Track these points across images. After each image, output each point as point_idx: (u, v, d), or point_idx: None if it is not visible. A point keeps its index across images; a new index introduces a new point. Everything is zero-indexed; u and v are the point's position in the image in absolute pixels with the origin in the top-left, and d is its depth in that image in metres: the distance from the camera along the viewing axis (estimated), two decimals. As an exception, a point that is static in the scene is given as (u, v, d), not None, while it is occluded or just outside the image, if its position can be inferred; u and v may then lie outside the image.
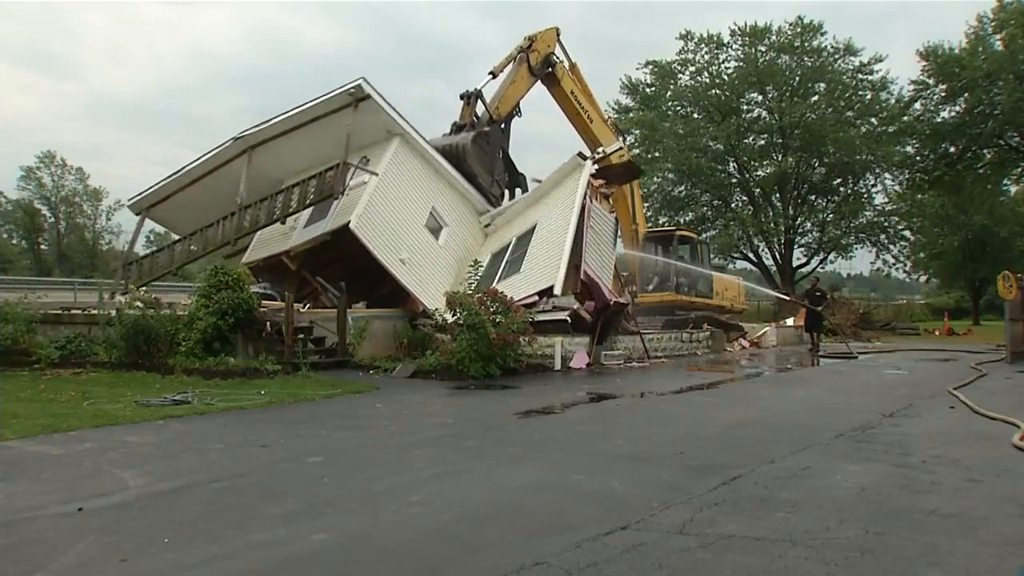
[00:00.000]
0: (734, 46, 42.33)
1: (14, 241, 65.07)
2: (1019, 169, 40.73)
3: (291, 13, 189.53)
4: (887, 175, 42.16)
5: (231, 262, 17.78)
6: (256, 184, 18.39)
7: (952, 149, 38.78)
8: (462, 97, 20.07)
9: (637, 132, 42.21)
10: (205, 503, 5.19)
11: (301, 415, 9.20)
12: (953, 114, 37.97)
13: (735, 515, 4.85)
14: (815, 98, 40.90)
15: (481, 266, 15.48)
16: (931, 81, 37.60)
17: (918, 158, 40.16)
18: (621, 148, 22.78)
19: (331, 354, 14.84)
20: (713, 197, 44.61)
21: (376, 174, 17.52)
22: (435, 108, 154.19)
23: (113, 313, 14.27)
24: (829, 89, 40.78)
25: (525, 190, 20.92)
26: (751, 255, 44.96)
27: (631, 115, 43.54)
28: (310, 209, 17.81)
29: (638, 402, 10.80)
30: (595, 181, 17.75)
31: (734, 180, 44.38)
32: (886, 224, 44.04)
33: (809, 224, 44.54)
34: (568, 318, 15.56)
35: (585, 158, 17.78)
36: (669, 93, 43.82)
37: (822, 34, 40.86)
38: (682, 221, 42.02)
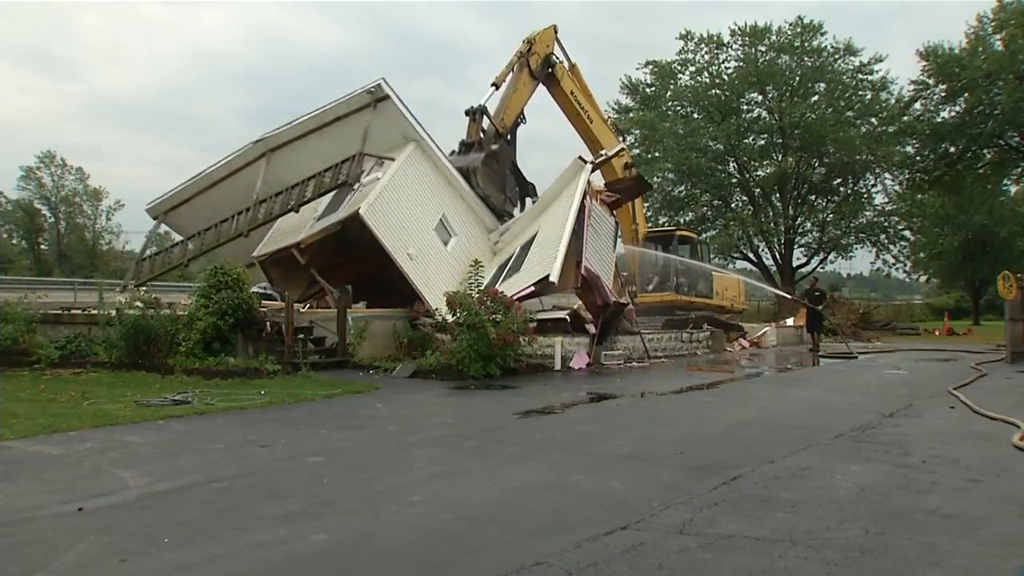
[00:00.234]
0: (734, 46, 42.34)
1: (14, 241, 64.99)
2: (1019, 169, 40.70)
3: (291, 13, 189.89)
4: (887, 175, 42.18)
5: (243, 257, 17.86)
6: (271, 188, 18.55)
7: (952, 149, 38.75)
8: (467, 113, 19.99)
9: (637, 132, 42.19)
10: (205, 503, 5.19)
11: (301, 415, 9.20)
12: (953, 114, 37.96)
13: (735, 515, 4.85)
14: (815, 98, 40.88)
15: (482, 266, 15.50)
16: (931, 81, 37.58)
17: (918, 158, 40.14)
18: (623, 150, 22.76)
19: (331, 354, 14.84)
20: (713, 197, 44.60)
21: (392, 159, 17.72)
22: (435, 108, 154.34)
23: (113, 313, 14.27)
24: (829, 89, 40.76)
25: (535, 198, 20.93)
26: (751, 255, 44.96)
27: (631, 115, 43.52)
28: (324, 206, 17.91)
29: (638, 402, 10.80)
30: (602, 194, 17.98)
31: (734, 180, 44.37)
32: (886, 224, 44.04)
33: (809, 224, 44.53)
34: (568, 317, 15.58)
35: (585, 162, 17.94)
36: (669, 93, 43.81)
37: (822, 34, 40.88)
38: (682, 221, 42.01)
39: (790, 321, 27.55)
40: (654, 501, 5.15)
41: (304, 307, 17.41)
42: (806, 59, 40.95)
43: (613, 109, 43.00)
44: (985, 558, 4.14)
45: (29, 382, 11.85)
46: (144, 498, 5.30)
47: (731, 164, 43.78)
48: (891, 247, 44.91)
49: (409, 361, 14.23)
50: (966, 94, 36.18)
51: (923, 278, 62.65)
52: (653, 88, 44.23)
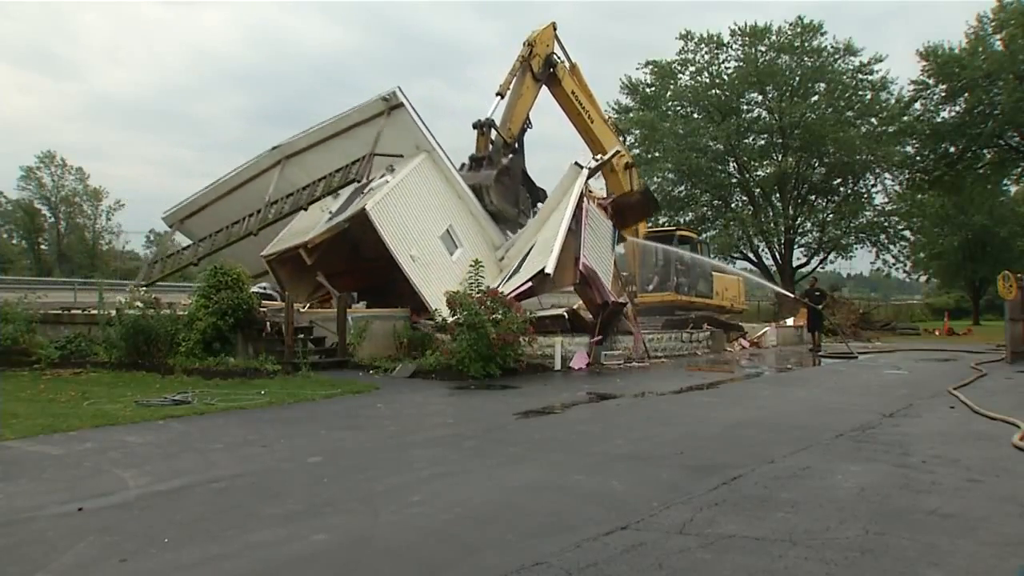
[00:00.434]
0: (734, 46, 42.34)
1: (14, 241, 64.97)
2: (1019, 169, 40.70)
3: (291, 13, 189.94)
4: (887, 175, 42.19)
5: (256, 259, 18.15)
6: (283, 194, 18.89)
7: (952, 149, 38.76)
8: (475, 127, 19.91)
9: (637, 132, 42.20)
10: (205, 503, 5.19)
11: (301, 415, 9.20)
12: (953, 114, 37.96)
13: (735, 515, 4.85)
14: (815, 98, 40.88)
15: (482, 266, 15.51)
16: (931, 81, 37.59)
17: (918, 158, 40.14)
18: (618, 152, 22.77)
19: (331, 354, 14.84)
20: (713, 197, 44.60)
21: (402, 156, 17.87)
22: (435, 108, 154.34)
23: (113, 313, 14.27)
24: (829, 89, 40.77)
25: None
26: (751, 255, 44.98)
27: (631, 115, 43.53)
28: (333, 208, 18.05)
29: (638, 402, 10.80)
30: (599, 199, 18.15)
31: (734, 180, 44.37)
32: (886, 224, 44.05)
33: (809, 224, 44.54)
34: (566, 314, 15.61)
35: (581, 167, 18.32)
36: (669, 93, 43.81)
37: (822, 34, 40.88)
38: (682, 221, 42.01)
39: (790, 321, 27.55)
40: (654, 501, 5.15)
41: (304, 307, 17.41)
42: (806, 59, 40.95)
43: (613, 109, 43.04)
44: (985, 558, 4.14)
45: (29, 382, 11.85)
46: (144, 498, 5.30)
47: (731, 164, 43.79)
48: (891, 247, 44.96)
49: (409, 361, 14.23)
50: (966, 94, 36.18)
51: (923, 278, 62.71)
52: (653, 88, 44.23)
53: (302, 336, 14.84)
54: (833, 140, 38.45)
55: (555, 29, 21.33)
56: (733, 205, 44.58)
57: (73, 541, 4.33)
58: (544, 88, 21.73)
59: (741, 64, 41.92)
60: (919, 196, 43.34)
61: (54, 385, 11.44)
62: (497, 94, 19.95)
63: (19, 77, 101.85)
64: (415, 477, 5.94)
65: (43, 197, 64.18)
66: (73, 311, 17.18)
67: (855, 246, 44.34)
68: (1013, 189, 48.41)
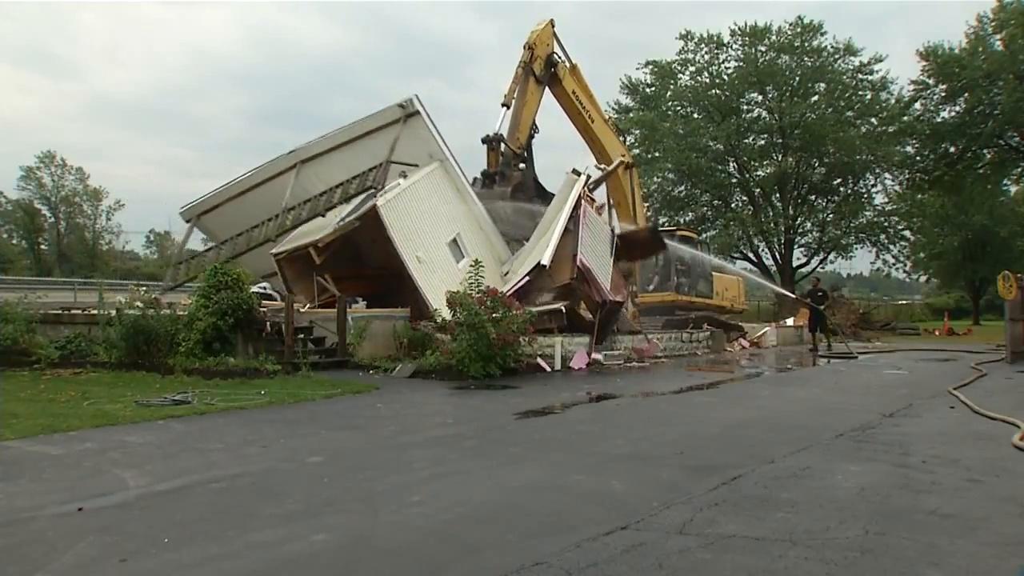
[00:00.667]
0: (734, 46, 42.40)
1: (14, 241, 64.97)
2: (1019, 169, 40.74)
3: (290, 13, 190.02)
4: (887, 175, 42.25)
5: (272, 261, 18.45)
6: (298, 199, 19.20)
7: (952, 149, 38.79)
8: (484, 142, 19.92)
9: (637, 132, 42.24)
10: (205, 503, 5.19)
11: (301, 415, 9.19)
12: (953, 114, 38.01)
13: (735, 515, 4.85)
14: (815, 98, 40.92)
15: (482, 266, 15.53)
16: (931, 81, 37.63)
17: (918, 158, 40.18)
18: (623, 160, 22.88)
19: (331, 354, 14.83)
20: (713, 197, 44.64)
21: (416, 165, 18.14)
22: (434, 108, 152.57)
23: (113, 313, 14.27)
24: (829, 89, 40.79)
25: None
26: (751, 255, 45.00)
27: (631, 115, 43.58)
28: (343, 213, 18.21)
29: (638, 402, 10.80)
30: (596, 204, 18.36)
31: (734, 180, 44.40)
32: (886, 224, 44.07)
33: (809, 224, 44.59)
34: (563, 308, 15.66)
35: (578, 174, 18.55)
36: (669, 93, 43.85)
37: (822, 34, 40.94)
38: (682, 221, 42.08)
39: (790, 321, 27.55)
40: (654, 501, 5.15)
41: (304, 307, 17.42)
42: (806, 59, 40.99)
43: (613, 109, 43.09)
44: (985, 558, 4.14)
45: (29, 382, 11.85)
46: (144, 498, 5.29)
47: (731, 164, 43.83)
48: (891, 247, 45.04)
49: (409, 361, 14.22)
50: (966, 94, 36.22)
51: (923, 278, 62.74)
52: (653, 88, 44.28)
53: (302, 336, 14.84)
54: (833, 140, 38.47)
55: (553, 26, 21.28)
56: (733, 205, 44.61)
57: (73, 541, 4.32)
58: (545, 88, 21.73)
59: (741, 64, 41.96)
60: (919, 196, 43.38)
61: (54, 385, 11.44)
62: (503, 105, 19.88)
63: (19, 77, 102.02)
64: (415, 477, 5.94)
65: (43, 197, 64.20)
66: (73, 311, 17.18)
67: (855, 246, 44.44)
68: (1013, 189, 48.48)
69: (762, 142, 43.30)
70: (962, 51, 36.44)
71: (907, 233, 45.67)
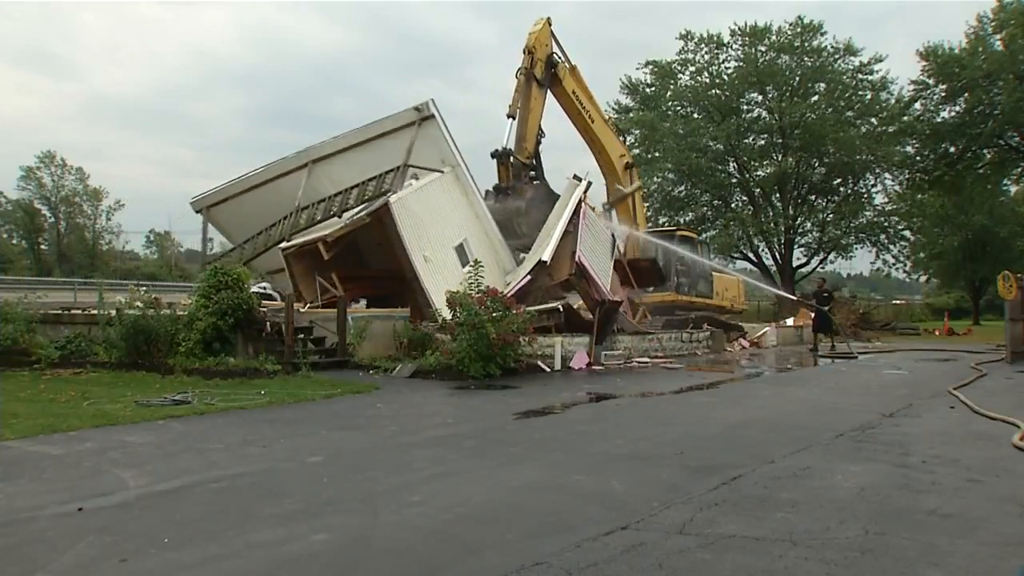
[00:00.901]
0: (734, 46, 42.37)
1: (14, 241, 64.98)
2: (1019, 169, 40.73)
3: (289, 13, 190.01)
4: (887, 175, 42.22)
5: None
6: (308, 199, 19.48)
7: (952, 149, 38.78)
8: (494, 156, 19.89)
9: (637, 132, 42.21)
10: (205, 503, 5.19)
11: (301, 415, 9.19)
12: (953, 114, 37.99)
13: (735, 515, 4.85)
14: (815, 98, 40.89)
15: (482, 266, 15.57)
16: (931, 81, 37.61)
17: (918, 158, 40.16)
18: (640, 186, 23.18)
19: (331, 354, 14.83)
20: (713, 197, 44.61)
21: (433, 170, 18.31)
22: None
23: (113, 313, 14.27)
24: (829, 89, 40.77)
25: None
26: (751, 255, 44.97)
27: (631, 115, 43.55)
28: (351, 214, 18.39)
29: (638, 402, 10.80)
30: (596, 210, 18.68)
31: (734, 180, 44.38)
32: (886, 224, 44.05)
33: (809, 224, 44.56)
34: (560, 307, 15.69)
35: (579, 180, 18.77)
36: (669, 93, 43.83)
37: (822, 34, 40.91)
38: (682, 221, 42.03)
39: (790, 321, 27.53)
40: (654, 501, 5.15)
41: (305, 307, 17.43)
42: (806, 59, 40.97)
43: (613, 109, 43.08)
44: (985, 558, 4.14)
45: (29, 382, 11.85)
46: (144, 498, 5.29)
47: (731, 164, 43.81)
48: (891, 247, 45.00)
49: (409, 361, 14.22)
50: (966, 94, 36.20)
51: (923, 278, 62.72)
52: (653, 88, 44.26)
53: (302, 336, 14.84)
54: (833, 140, 38.45)
55: (550, 24, 21.19)
56: (733, 205, 44.59)
57: (73, 541, 4.32)
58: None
59: (741, 64, 41.94)
60: (919, 196, 43.37)
61: (54, 385, 11.44)
62: (508, 116, 19.84)
63: (18, 77, 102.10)
64: (415, 477, 5.94)
65: (43, 197, 64.21)
66: (73, 311, 17.17)
67: (855, 246, 44.41)
68: (1013, 189, 48.48)
69: (762, 142, 43.29)
70: (962, 51, 36.43)
71: (907, 233, 45.67)
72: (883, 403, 10.29)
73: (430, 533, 4.51)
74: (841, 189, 43.34)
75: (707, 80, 43.06)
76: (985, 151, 38.98)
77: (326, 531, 4.52)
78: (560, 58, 21.50)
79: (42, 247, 64.81)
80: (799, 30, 40.84)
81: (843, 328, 26.04)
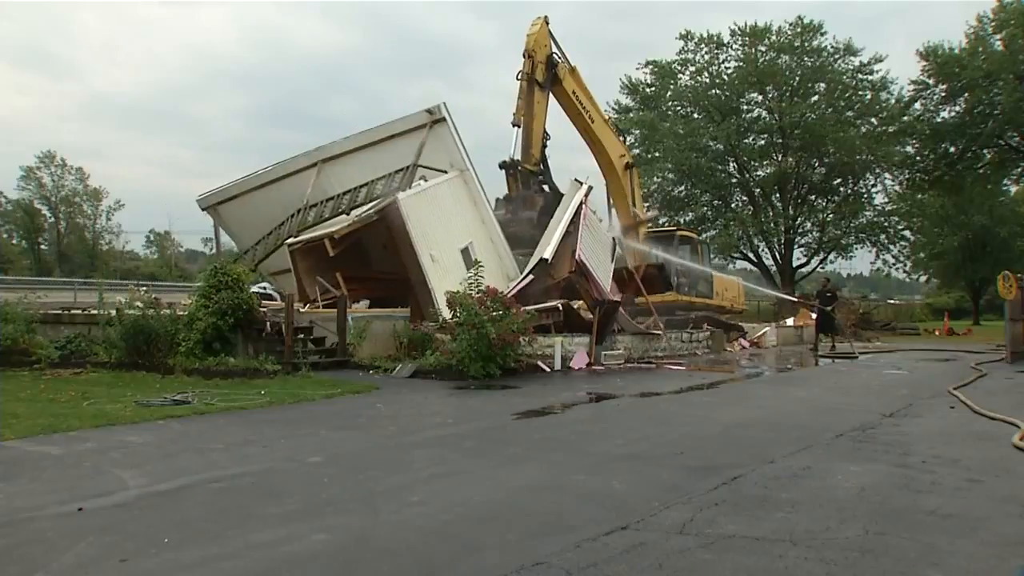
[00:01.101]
0: (734, 46, 42.42)
1: (14, 241, 65.03)
2: (1019, 169, 40.76)
3: (289, 13, 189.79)
4: (887, 175, 42.24)
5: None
6: (318, 198, 19.61)
7: (952, 149, 38.79)
8: (502, 167, 19.90)
9: (637, 132, 42.22)
10: (205, 503, 5.19)
11: (301, 415, 9.19)
12: (953, 114, 38.02)
13: (735, 515, 4.85)
14: (815, 98, 40.91)
15: (482, 266, 15.58)
16: (931, 81, 37.63)
17: (918, 158, 40.18)
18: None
19: (331, 354, 14.83)
20: (713, 197, 44.61)
21: (444, 171, 18.40)
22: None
23: (113, 313, 14.27)
24: (829, 89, 40.80)
25: None
26: (751, 255, 44.99)
27: (631, 115, 43.57)
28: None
29: (638, 402, 10.80)
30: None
31: (734, 180, 44.39)
32: (886, 224, 44.07)
33: (809, 224, 44.59)
34: (559, 306, 15.70)
35: (580, 183, 18.75)
36: (669, 93, 43.86)
37: (822, 34, 40.95)
38: (682, 221, 42.01)
39: (790, 321, 27.53)
40: (654, 501, 5.15)
41: (305, 306, 17.43)
42: (806, 59, 40.99)
43: (613, 109, 43.09)
44: (985, 558, 4.14)
45: (29, 382, 11.84)
46: (144, 498, 5.29)
47: (731, 164, 43.83)
48: (891, 247, 45.04)
49: (409, 361, 14.22)
50: (966, 94, 36.23)
51: (923, 278, 62.74)
52: (653, 88, 44.29)
53: (302, 336, 14.84)
54: (833, 140, 38.47)
55: (547, 23, 21.11)
56: (733, 205, 44.60)
57: (73, 541, 4.32)
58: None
59: (741, 64, 41.96)
60: (919, 196, 43.40)
61: (54, 385, 11.44)
62: (513, 124, 19.77)
63: (18, 77, 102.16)
64: (415, 477, 5.93)
65: (43, 197, 64.30)
66: (73, 311, 17.18)
67: (855, 246, 44.43)
68: (1013, 189, 48.50)
69: (762, 142, 43.32)
70: (962, 51, 36.44)
71: (907, 233, 45.71)
72: (883, 403, 10.30)
73: (430, 533, 4.51)
74: (841, 189, 43.36)
75: (707, 80, 43.09)
76: (985, 151, 38.99)
77: (326, 531, 4.52)
78: (560, 58, 21.48)
79: (42, 247, 64.89)
80: (799, 30, 40.86)
81: (843, 328, 26.06)
